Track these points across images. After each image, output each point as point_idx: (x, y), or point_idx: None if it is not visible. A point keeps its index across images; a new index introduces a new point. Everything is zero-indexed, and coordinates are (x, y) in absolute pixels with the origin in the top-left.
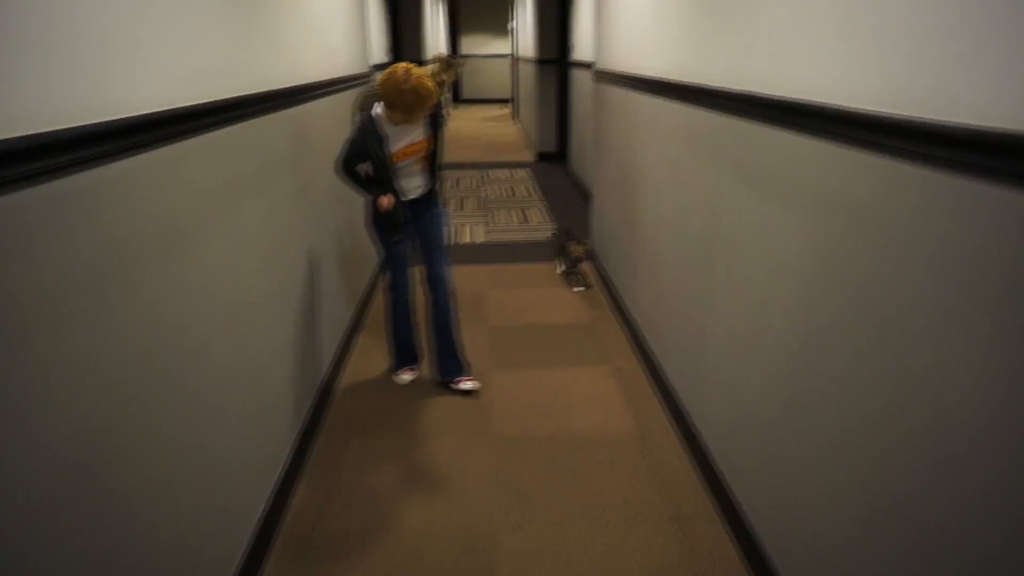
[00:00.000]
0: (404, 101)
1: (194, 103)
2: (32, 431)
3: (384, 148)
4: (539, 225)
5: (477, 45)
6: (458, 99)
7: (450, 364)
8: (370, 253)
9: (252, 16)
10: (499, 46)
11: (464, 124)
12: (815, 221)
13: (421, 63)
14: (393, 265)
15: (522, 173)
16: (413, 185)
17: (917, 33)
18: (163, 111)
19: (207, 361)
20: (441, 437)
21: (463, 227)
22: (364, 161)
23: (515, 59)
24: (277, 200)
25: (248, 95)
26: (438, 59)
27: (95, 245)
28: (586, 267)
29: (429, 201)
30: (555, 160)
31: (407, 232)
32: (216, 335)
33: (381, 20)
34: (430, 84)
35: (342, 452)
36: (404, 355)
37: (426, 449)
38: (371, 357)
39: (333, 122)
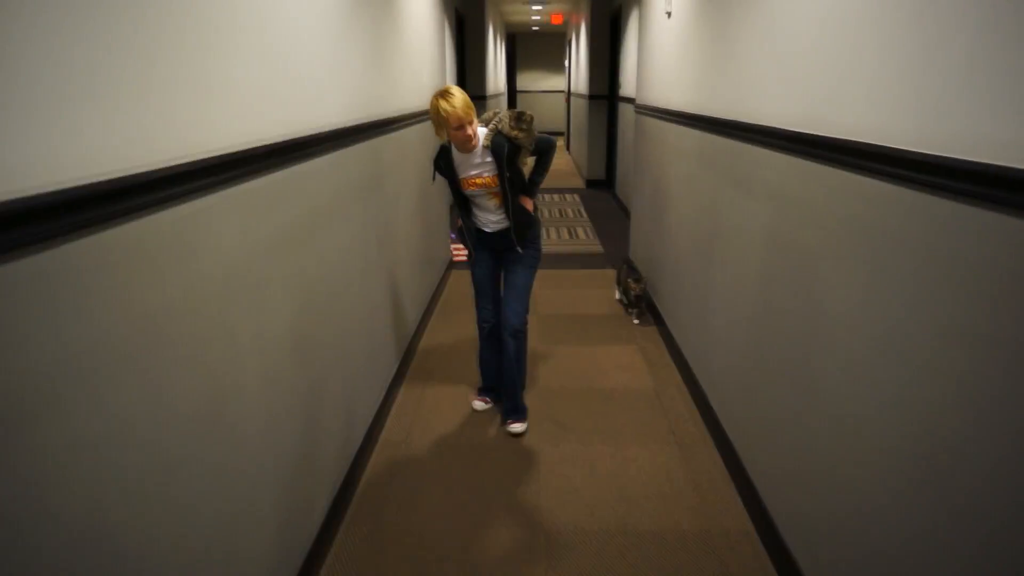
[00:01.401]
0: (431, 113)
1: (350, 123)
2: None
3: (455, 172)
4: (585, 240)
5: (532, 81)
6: None
7: (508, 407)
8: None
9: (385, 62)
10: (553, 82)
11: None
12: (772, 209)
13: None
14: (476, 289)
15: (572, 197)
16: (488, 219)
17: (821, 73)
18: (342, 127)
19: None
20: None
21: None
22: (444, 177)
23: (569, 94)
24: (388, 197)
25: (376, 120)
26: (511, 115)
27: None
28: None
29: (509, 241)
30: (603, 187)
31: (483, 260)
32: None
33: (452, 58)
34: (456, 105)
35: (422, 395)
36: (484, 379)
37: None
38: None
39: (421, 141)
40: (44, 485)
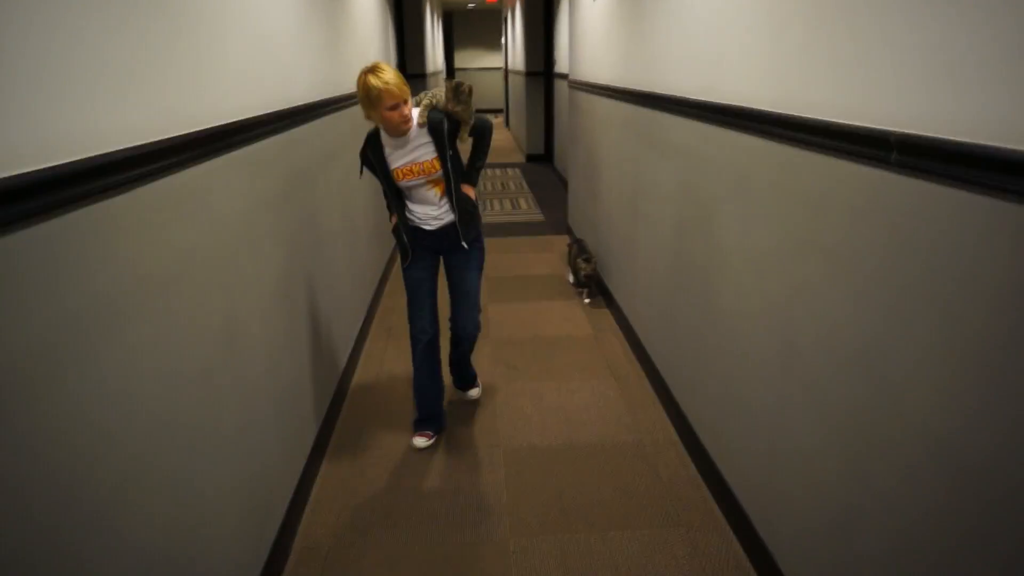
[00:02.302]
0: (358, 92)
1: (314, 100)
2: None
3: (385, 162)
4: (527, 210)
5: (471, 59)
6: None
7: (461, 384)
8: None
9: (339, 44)
10: (491, 60)
11: None
12: (681, 166)
13: (409, 79)
14: (409, 296)
15: (513, 172)
16: (430, 213)
17: (713, 50)
18: (310, 103)
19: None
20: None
21: None
22: (374, 172)
23: (507, 72)
24: (346, 167)
25: (333, 97)
26: (447, 86)
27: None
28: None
29: (455, 236)
30: (542, 161)
31: (421, 262)
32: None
33: (392, 38)
34: (389, 79)
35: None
36: (422, 412)
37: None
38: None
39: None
40: (123, 377)
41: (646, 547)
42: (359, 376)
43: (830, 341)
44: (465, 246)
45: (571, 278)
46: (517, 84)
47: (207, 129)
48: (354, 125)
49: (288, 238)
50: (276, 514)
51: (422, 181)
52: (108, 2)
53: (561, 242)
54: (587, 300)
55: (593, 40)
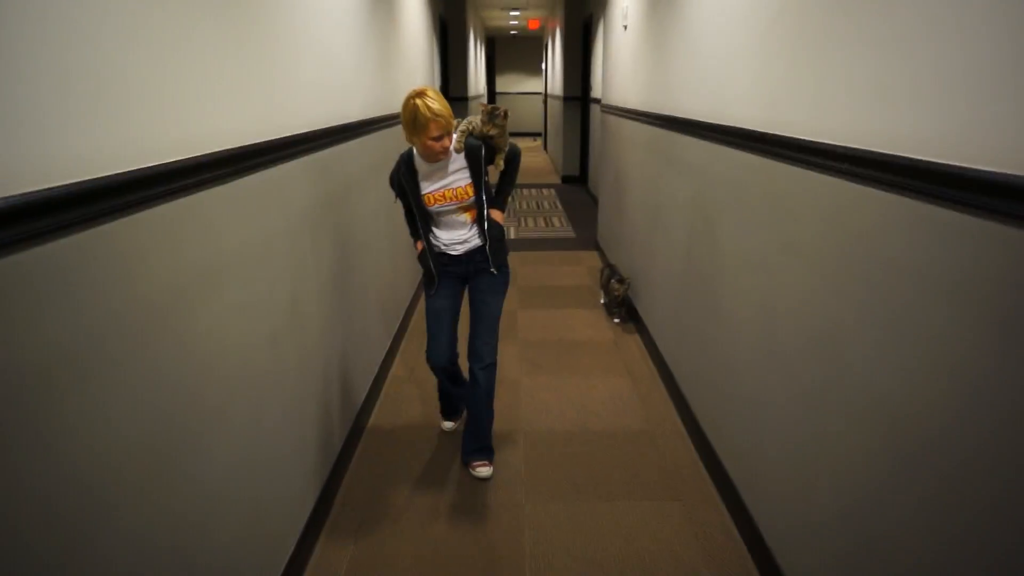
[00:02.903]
0: (405, 115)
1: (367, 117)
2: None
3: (417, 187)
4: (559, 228)
5: (511, 83)
6: None
7: (473, 448)
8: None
9: (390, 67)
10: (531, 84)
11: None
12: (693, 181)
13: (452, 102)
14: (428, 325)
15: (548, 192)
16: (457, 238)
17: (718, 79)
18: (364, 119)
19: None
20: None
21: None
22: (404, 199)
23: (546, 96)
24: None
25: (384, 115)
26: (483, 110)
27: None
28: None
29: (481, 262)
30: (577, 182)
31: (445, 290)
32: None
33: (437, 62)
34: (439, 109)
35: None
36: (447, 405)
37: None
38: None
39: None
40: (214, 335)
41: (646, 515)
42: (396, 369)
43: (801, 327)
44: (494, 271)
45: (603, 299)
46: (555, 108)
47: (289, 136)
48: (398, 143)
49: (341, 234)
50: (329, 460)
51: (453, 207)
52: (230, 38)
53: (590, 257)
54: (617, 321)
55: (622, 67)
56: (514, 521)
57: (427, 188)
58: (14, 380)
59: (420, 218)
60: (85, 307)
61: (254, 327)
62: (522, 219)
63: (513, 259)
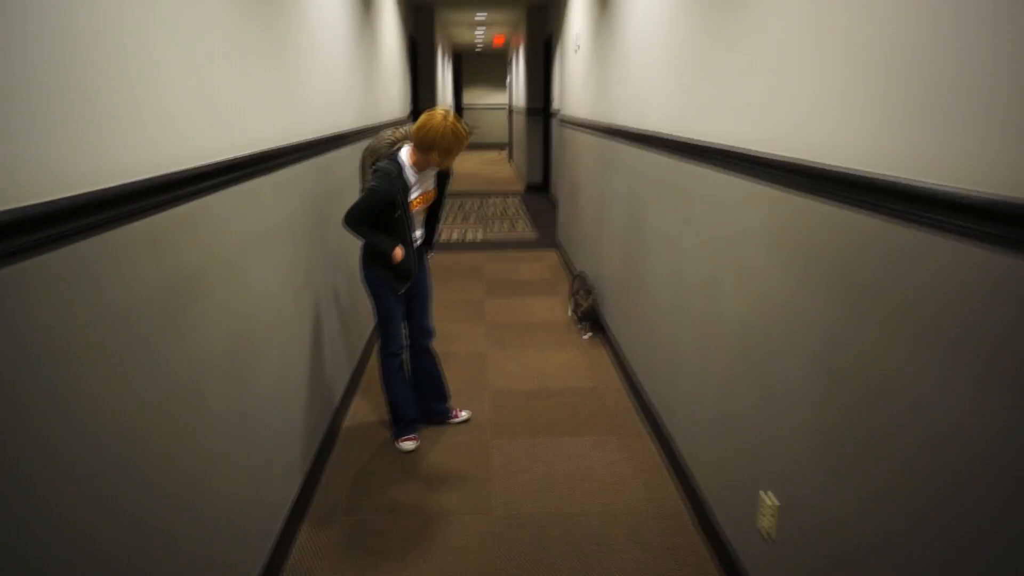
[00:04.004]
0: (445, 143)
1: (357, 127)
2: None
3: (407, 196)
4: (523, 231)
5: (477, 97)
6: None
7: (443, 406)
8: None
9: (372, 82)
10: (496, 98)
11: (466, 166)
12: (626, 179)
13: (418, 115)
14: (390, 318)
15: (513, 199)
16: (416, 235)
17: (642, 94)
18: (355, 128)
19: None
20: (456, 321)
21: (466, 232)
22: (390, 210)
23: (511, 109)
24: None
25: (369, 125)
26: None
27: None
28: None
29: (423, 250)
30: (540, 191)
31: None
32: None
33: (407, 75)
34: (464, 129)
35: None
36: (405, 421)
37: (447, 327)
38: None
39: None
40: (255, 290)
41: (589, 445)
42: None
43: (695, 280)
44: (431, 255)
45: (570, 311)
46: (519, 121)
47: (303, 141)
48: None
49: (337, 222)
50: (335, 398)
51: (424, 207)
52: (268, 64)
53: (550, 255)
54: (586, 336)
55: (574, 84)
56: (483, 453)
57: (413, 195)
58: (133, 308)
59: (403, 223)
60: (183, 257)
61: (283, 284)
62: (488, 223)
63: (480, 257)
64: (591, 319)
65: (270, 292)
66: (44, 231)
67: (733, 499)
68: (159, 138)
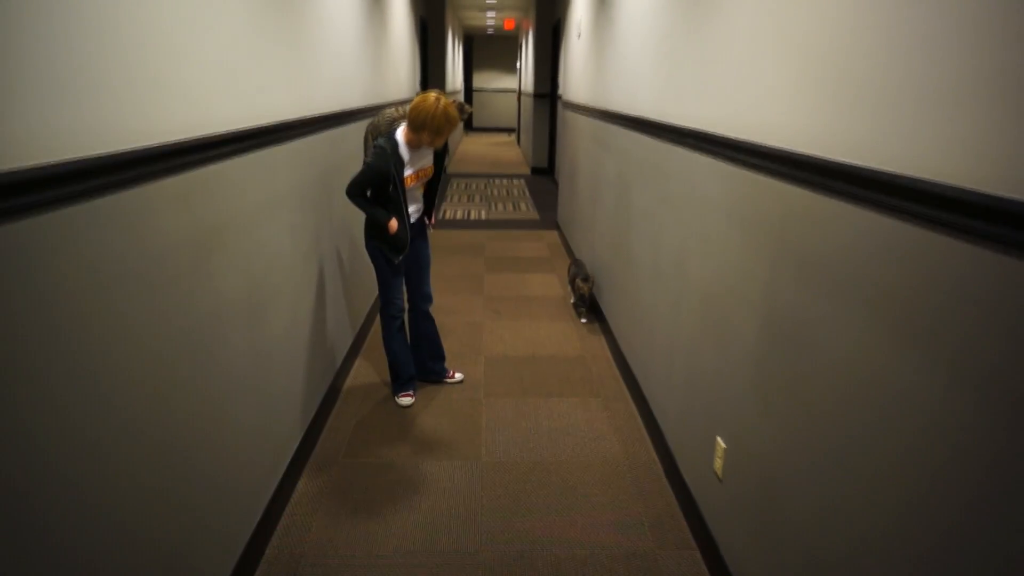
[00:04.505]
0: (435, 123)
1: (366, 105)
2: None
3: (402, 171)
4: (525, 211)
5: (487, 80)
6: (469, 127)
7: (439, 365)
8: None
9: (382, 62)
10: (507, 82)
11: (474, 147)
12: (617, 160)
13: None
14: (391, 285)
15: (518, 181)
16: (414, 208)
17: (630, 81)
18: (363, 106)
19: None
20: (455, 294)
21: (470, 211)
22: (384, 184)
23: (520, 93)
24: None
25: (378, 104)
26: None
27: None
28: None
29: (422, 223)
30: (545, 174)
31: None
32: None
33: (418, 59)
34: (456, 113)
35: None
36: (403, 377)
37: (446, 299)
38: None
39: None
40: (269, 244)
41: (574, 405)
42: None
43: (670, 253)
44: (431, 228)
45: (572, 298)
46: (527, 104)
47: (316, 116)
48: None
49: (343, 195)
50: (339, 356)
51: (422, 183)
52: (283, 44)
53: (550, 235)
54: (584, 320)
55: (576, 69)
56: (474, 410)
57: (408, 170)
58: (169, 250)
59: (397, 197)
60: (210, 211)
61: (294, 244)
62: (492, 204)
63: (482, 235)
64: (589, 305)
65: (282, 250)
66: (108, 177)
67: (694, 447)
68: (190, 107)
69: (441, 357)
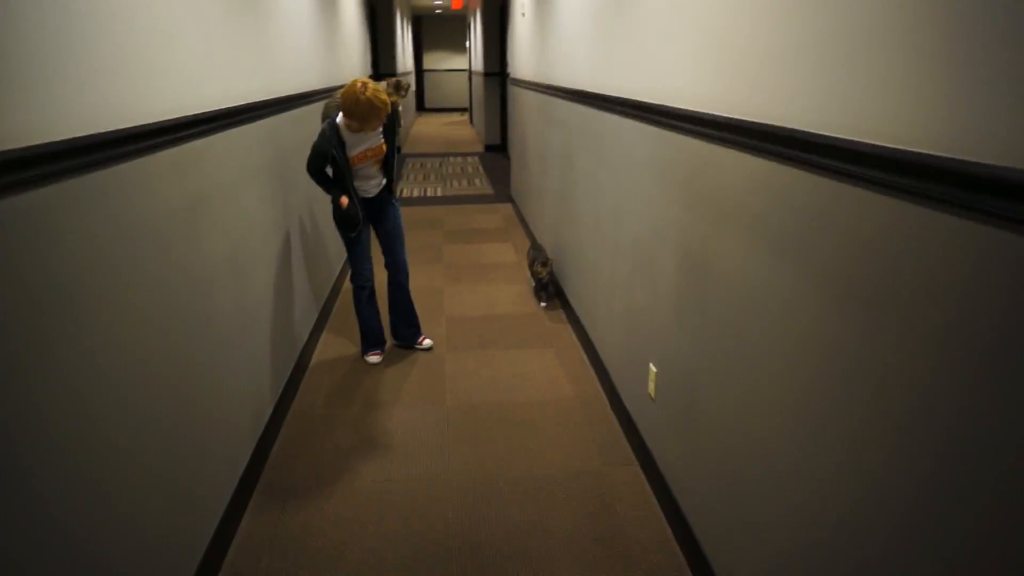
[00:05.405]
0: (360, 110)
1: (322, 87)
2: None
3: (344, 152)
4: (480, 187)
5: (438, 61)
6: (422, 108)
7: (410, 331)
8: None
9: (335, 45)
10: (457, 62)
11: (427, 128)
12: (561, 132)
13: (380, 78)
14: (355, 256)
15: (472, 159)
16: (372, 184)
17: (570, 56)
18: (319, 88)
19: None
20: (416, 264)
21: (426, 189)
22: (326, 164)
23: (471, 73)
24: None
25: (333, 86)
26: (389, 83)
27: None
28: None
29: (386, 197)
30: (499, 150)
31: (366, 226)
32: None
33: (367, 39)
34: (384, 98)
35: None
36: (371, 339)
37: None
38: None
39: None
40: (254, 203)
41: (529, 355)
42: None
43: (608, 209)
44: (395, 202)
45: (532, 284)
46: (478, 83)
47: (280, 97)
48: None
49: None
50: (312, 319)
51: (371, 162)
52: (249, 30)
53: (504, 208)
54: (543, 304)
55: (522, 47)
56: (437, 364)
57: (354, 151)
58: (166, 216)
59: (343, 175)
60: (198, 181)
61: (266, 214)
62: (448, 181)
63: (439, 210)
64: (553, 289)
65: (258, 219)
66: (111, 150)
67: (633, 377)
68: (178, 88)
69: (411, 324)
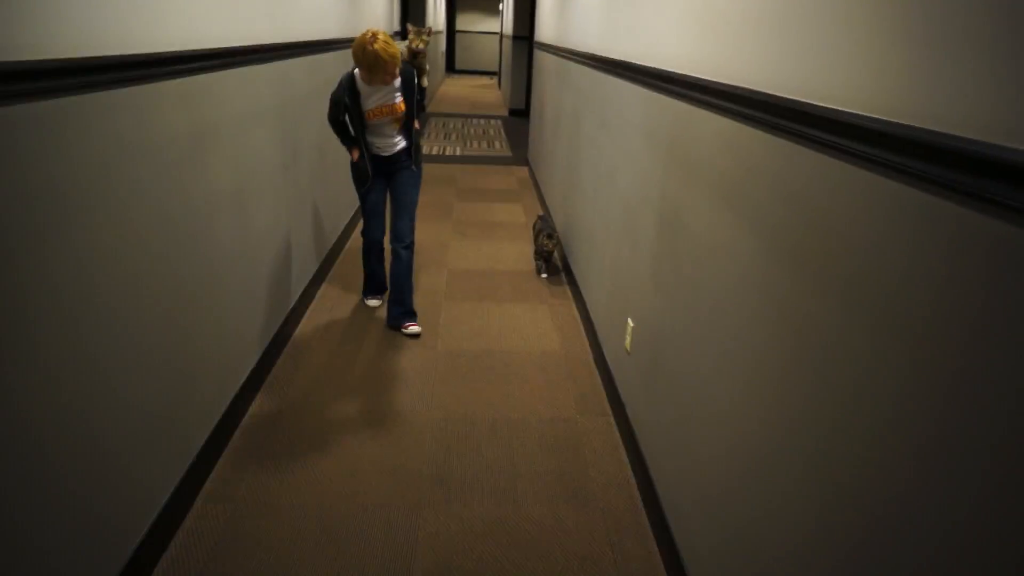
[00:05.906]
0: (367, 60)
1: (342, 36)
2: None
3: (359, 104)
4: (500, 149)
5: (471, 22)
6: (452, 69)
7: (399, 311)
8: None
9: None
10: (490, 24)
11: (454, 89)
12: (573, 95)
13: (404, 36)
14: (364, 211)
15: (495, 122)
16: (387, 143)
17: (585, 23)
18: (339, 37)
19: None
20: (425, 220)
21: (446, 147)
22: (342, 113)
23: (502, 36)
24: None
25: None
26: (411, 29)
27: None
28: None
29: (404, 160)
30: (522, 115)
31: (378, 184)
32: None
33: None
34: (393, 51)
35: None
36: (372, 285)
37: (418, 224)
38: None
39: None
40: (257, 141)
41: (524, 309)
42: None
43: (605, 171)
44: (414, 168)
45: (534, 254)
46: (507, 47)
47: (295, 42)
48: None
49: (322, 114)
50: (316, 263)
51: (388, 120)
52: None
53: (520, 171)
54: (544, 275)
55: (547, 10)
56: (434, 311)
57: (369, 105)
58: (169, 142)
59: (357, 129)
60: (203, 113)
61: (273, 155)
62: (468, 141)
63: (455, 168)
64: (559, 265)
65: (264, 157)
66: (119, 72)
67: (613, 331)
68: (186, 24)
69: (402, 303)
